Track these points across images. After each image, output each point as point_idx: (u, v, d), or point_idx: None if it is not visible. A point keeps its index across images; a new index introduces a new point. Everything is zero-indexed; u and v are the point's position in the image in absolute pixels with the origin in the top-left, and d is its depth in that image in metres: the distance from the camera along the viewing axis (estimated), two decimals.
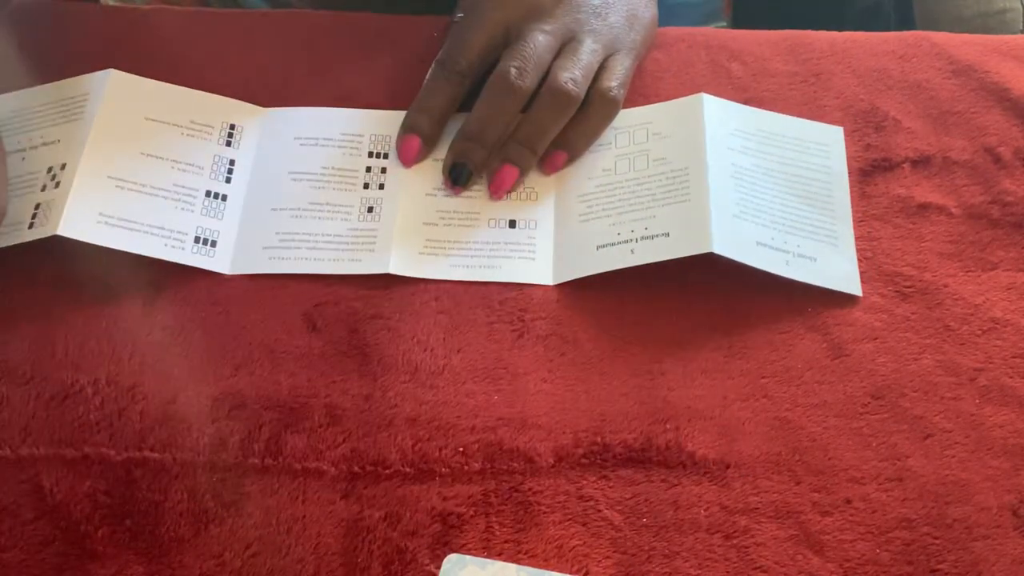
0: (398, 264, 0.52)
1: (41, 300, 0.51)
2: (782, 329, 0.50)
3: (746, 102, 0.57)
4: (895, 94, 0.58)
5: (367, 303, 0.51)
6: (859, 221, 0.53)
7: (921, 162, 0.56)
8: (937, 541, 0.44)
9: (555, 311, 0.50)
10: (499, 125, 0.54)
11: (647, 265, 0.51)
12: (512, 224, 0.54)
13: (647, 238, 0.51)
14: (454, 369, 0.49)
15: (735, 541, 0.44)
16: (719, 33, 0.62)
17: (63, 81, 0.56)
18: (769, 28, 0.61)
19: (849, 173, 0.55)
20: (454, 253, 0.53)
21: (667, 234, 0.51)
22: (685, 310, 0.50)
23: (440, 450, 0.46)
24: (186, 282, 0.51)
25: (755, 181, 0.53)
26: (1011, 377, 0.48)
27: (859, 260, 0.52)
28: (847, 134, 0.56)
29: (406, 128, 0.55)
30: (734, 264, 0.50)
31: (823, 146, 0.56)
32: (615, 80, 0.55)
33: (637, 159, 0.54)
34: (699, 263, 0.51)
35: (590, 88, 0.54)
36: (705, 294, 0.51)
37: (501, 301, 0.51)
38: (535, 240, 0.53)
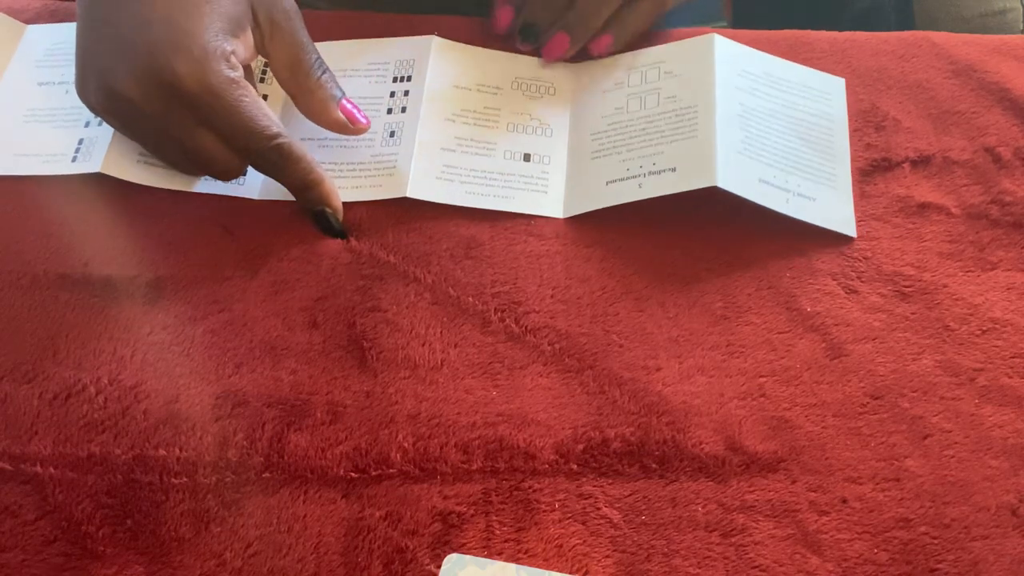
0: (415, 188, 0.54)
1: (43, 300, 0.51)
2: (781, 329, 0.50)
3: None
4: (895, 94, 0.59)
5: (364, 295, 0.51)
6: (859, 221, 0.54)
7: (921, 162, 0.56)
8: (935, 541, 0.44)
9: (548, 305, 0.51)
10: None
11: (642, 258, 0.51)
12: (527, 158, 0.56)
13: (654, 173, 0.53)
14: (452, 364, 0.49)
15: (733, 539, 0.44)
16: (719, 33, 0.62)
17: None
18: (769, 28, 0.62)
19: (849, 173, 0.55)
20: (469, 181, 0.55)
21: (674, 169, 0.53)
22: (682, 308, 0.51)
23: (441, 448, 0.46)
24: (187, 281, 0.51)
25: (760, 121, 0.55)
26: (1010, 377, 0.48)
27: (858, 260, 0.52)
28: (847, 134, 0.56)
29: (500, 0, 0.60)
30: (732, 251, 0.50)
31: (825, 94, 0.58)
32: None
33: (648, 97, 0.56)
34: (694, 254, 0.51)
35: None
36: (703, 291, 0.51)
37: (494, 293, 0.51)
38: (548, 174, 0.55)
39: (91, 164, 0.54)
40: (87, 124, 0.56)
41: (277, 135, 0.50)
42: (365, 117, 0.55)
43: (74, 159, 0.55)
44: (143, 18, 0.48)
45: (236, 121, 0.49)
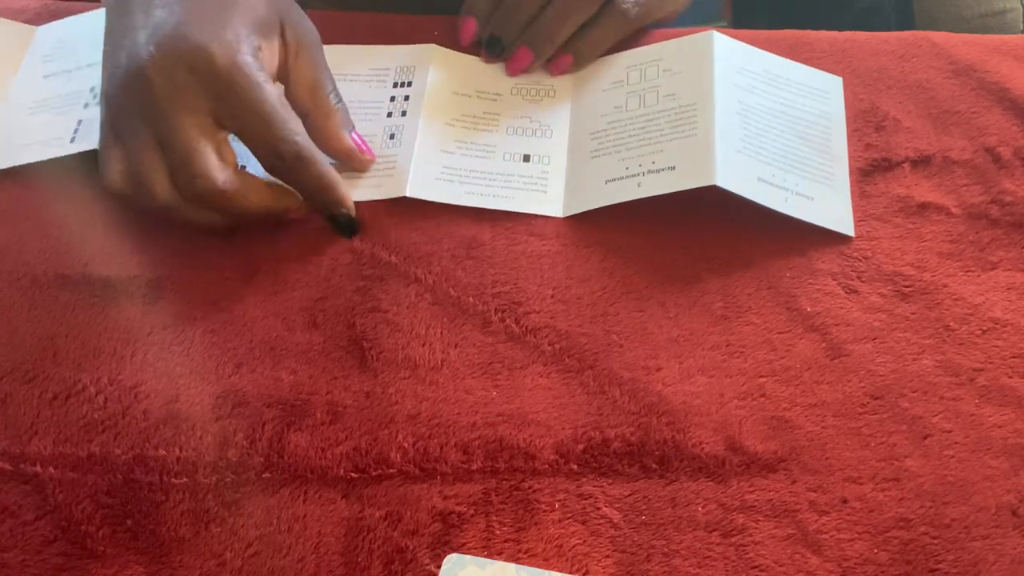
0: (415, 188, 0.54)
1: (43, 300, 0.51)
2: (781, 329, 0.50)
3: None
4: (895, 94, 0.59)
5: (365, 295, 0.51)
6: (859, 221, 0.54)
7: (921, 162, 0.56)
8: (935, 541, 0.44)
9: (549, 305, 0.51)
10: (532, 5, 0.57)
11: (642, 258, 0.51)
12: (526, 159, 0.56)
13: (654, 172, 0.53)
14: (452, 364, 0.49)
15: (733, 539, 0.44)
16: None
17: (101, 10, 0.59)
18: (769, 28, 0.62)
19: (849, 173, 0.55)
20: (469, 181, 0.55)
21: (673, 168, 0.53)
22: (682, 308, 0.51)
23: (441, 448, 0.46)
24: (187, 281, 0.51)
25: (759, 119, 0.55)
26: (1010, 377, 0.48)
27: (858, 260, 0.52)
28: (847, 134, 0.56)
29: (465, 10, 0.60)
30: (732, 251, 0.51)
31: (823, 92, 0.58)
32: None
33: (647, 95, 0.56)
34: (694, 254, 0.51)
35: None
36: (703, 291, 0.51)
37: (495, 293, 0.51)
38: (548, 174, 0.56)
39: (89, 142, 0.54)
40: (86, 105, 0.56)
41: (297, 132, 0.50)
42: (371, 151, 0.55)
43: (72, 139, 0.55)
44: (176, 12, 0.48)
45: (261, 112, 0.48)
